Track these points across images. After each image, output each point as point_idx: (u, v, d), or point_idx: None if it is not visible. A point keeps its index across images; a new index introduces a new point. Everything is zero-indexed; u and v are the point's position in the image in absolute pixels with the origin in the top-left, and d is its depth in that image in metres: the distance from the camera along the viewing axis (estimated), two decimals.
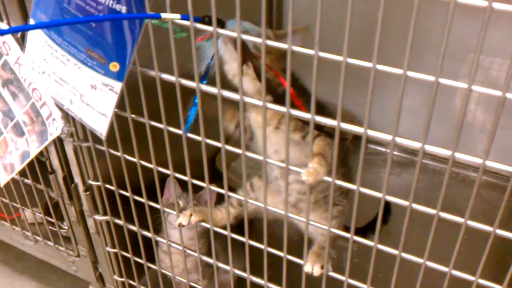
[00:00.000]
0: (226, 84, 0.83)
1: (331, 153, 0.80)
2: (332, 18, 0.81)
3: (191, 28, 0.64)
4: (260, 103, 0.67)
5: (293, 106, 0.68)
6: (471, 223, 0.67)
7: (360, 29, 0.77)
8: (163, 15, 0.67)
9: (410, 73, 0.57)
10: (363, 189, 0.71)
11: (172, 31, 0.70)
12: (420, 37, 0.75)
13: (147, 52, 0.75)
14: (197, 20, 0.64)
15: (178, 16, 0.67)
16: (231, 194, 0.87)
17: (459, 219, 0.68)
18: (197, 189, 0.99)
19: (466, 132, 0.66)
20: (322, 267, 0.90)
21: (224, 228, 0.93)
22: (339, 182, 0.74)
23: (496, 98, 0.55)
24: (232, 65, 0.86)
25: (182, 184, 1.05)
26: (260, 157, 0.77)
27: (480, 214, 0.72)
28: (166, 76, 0.76)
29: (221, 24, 0.71)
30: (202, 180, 0.87)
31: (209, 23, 0.63)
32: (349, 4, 0.55)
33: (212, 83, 0.72)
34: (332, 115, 0.66)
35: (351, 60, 0.59)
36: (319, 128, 0.81)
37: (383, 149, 1.71)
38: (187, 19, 0.64)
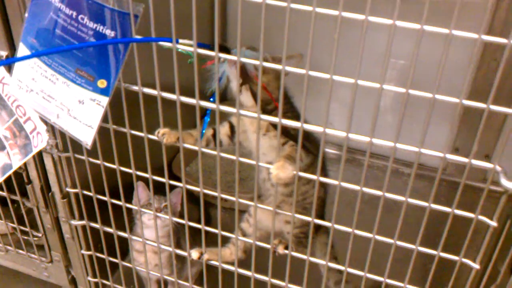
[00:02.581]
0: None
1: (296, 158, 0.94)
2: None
3: (195, 53, 0.77)
4: (254, 115, 0.81)
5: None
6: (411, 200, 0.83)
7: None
8: (181, 41, 0.79)
9: (336, 77, 0.72)
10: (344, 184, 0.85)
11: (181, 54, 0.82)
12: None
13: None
14: (207, 47, 0.78)
15: (190, 42, 0.79)
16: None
17: (401, 198, 0.83)
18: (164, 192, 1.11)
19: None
20: (286, 248, 1.04)
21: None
22: (304, 174, 0.88)
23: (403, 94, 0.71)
24: (235, 83, 1.01)
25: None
26: (252, 161, 0.90)
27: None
28: (148, 90, 0.88)
29: (227, 50, 0.85)
30: (161, 183, 1.00)
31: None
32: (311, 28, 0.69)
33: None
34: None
35: (312, 73, 0.73)
36: (293, 137, 0.97)
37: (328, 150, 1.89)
38: (203, 47, 0.78)
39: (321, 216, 1.21)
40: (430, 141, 0.78)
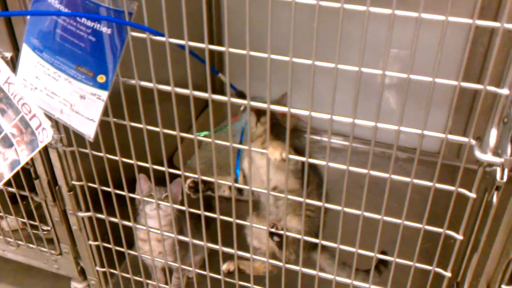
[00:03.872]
0: None
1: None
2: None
3: (186, 47, 0.83)
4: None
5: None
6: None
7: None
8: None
9: (341, 66, 0.78)
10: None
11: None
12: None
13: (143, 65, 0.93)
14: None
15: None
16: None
17: (407, 179, 0.88)
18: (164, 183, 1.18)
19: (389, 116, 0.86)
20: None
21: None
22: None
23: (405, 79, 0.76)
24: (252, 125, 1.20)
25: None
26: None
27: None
28: (145, 83, 0.94)
29: (244, 96, 0.93)
30: (162, 176, 1.06)
31: (242, 96, 0.91)
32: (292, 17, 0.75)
33: None
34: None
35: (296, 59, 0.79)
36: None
37: (319, 138, 1.95)
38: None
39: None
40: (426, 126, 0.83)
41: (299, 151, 1.13)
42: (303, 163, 1.14)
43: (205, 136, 0.99)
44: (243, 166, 1.21)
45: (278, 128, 1.16)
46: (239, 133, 1.24)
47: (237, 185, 1.09)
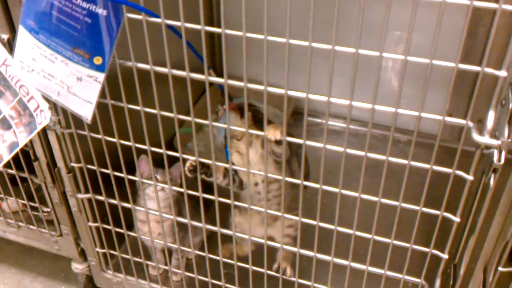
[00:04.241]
0: None
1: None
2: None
3: (182, 28, 0.82)
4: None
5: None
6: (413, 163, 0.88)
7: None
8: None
9: (338, 48, 0.77)
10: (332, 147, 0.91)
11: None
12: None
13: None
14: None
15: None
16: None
17: (404, 161, 0.88)
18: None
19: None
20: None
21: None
22: None
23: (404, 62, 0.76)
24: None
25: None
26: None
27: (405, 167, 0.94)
28: (141, 65, 0.93)
29: (230, 98, 0.96)
30: (162, 158, 1.07)
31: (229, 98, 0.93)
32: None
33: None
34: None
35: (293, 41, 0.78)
36: None
37: (319, 120, 1.95)
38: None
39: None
40: (424, 109, 0.82)
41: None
42: (290, 155, 1.16)
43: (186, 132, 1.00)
44: (232, 160, 1.21)
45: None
46: (221, 131, 1.24)
47: (235, 167, 1.08)
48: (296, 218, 1.05)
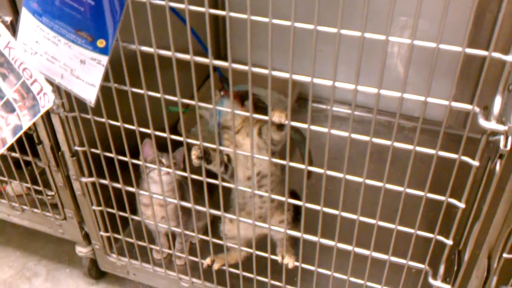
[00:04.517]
0: None
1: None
2: None
3: (186, 10, 0.81)
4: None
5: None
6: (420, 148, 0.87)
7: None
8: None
9: (344, 31, 0.76)
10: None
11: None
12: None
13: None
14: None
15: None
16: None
17: (409, 146, 0.87)
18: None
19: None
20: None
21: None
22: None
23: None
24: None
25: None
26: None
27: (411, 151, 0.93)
28: (145, 48, 0.92)
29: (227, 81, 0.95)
30: (165, 143, 1.07)
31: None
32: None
33: None
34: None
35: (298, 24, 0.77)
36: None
37: (323, 106, 1.94)
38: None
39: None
40: (430, 96, 0.81)
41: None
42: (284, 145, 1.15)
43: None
44: (226, 152, 1.19)
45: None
46: (216, 116, 1.20)
47: (238, 152, 1.07)
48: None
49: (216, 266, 1.31)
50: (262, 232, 1.25)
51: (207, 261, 1.31)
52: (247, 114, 0.95)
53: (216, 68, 0.92)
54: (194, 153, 1.13)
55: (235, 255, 1.33)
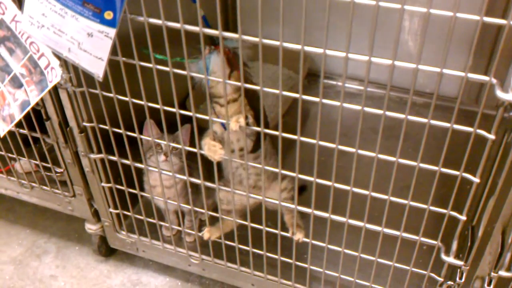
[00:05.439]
0: None
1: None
2: None
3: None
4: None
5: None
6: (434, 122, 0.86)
7: None
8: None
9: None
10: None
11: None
12: None
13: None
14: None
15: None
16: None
17: (424, 120, 0.86)
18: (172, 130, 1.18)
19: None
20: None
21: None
22: None
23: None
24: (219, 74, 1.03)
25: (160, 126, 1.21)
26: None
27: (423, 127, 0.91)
28: (153, 20, 0.91)
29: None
30: (175, 120, 1.06)
31: None
32: None
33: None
34: None
35: None
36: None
37: (334, 82, 1.91)
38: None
39: None
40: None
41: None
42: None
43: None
44: (214, 129, 1.16)
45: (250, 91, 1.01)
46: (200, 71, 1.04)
47: (244, 124, 1.04)
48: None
49: (212, 237, 1.34)
50: (257, 201, 1.27)
51: (206, 234, 1.34)
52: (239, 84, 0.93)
53: (203, 17, 0.89)
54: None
55: (230, 223, 1.33)
